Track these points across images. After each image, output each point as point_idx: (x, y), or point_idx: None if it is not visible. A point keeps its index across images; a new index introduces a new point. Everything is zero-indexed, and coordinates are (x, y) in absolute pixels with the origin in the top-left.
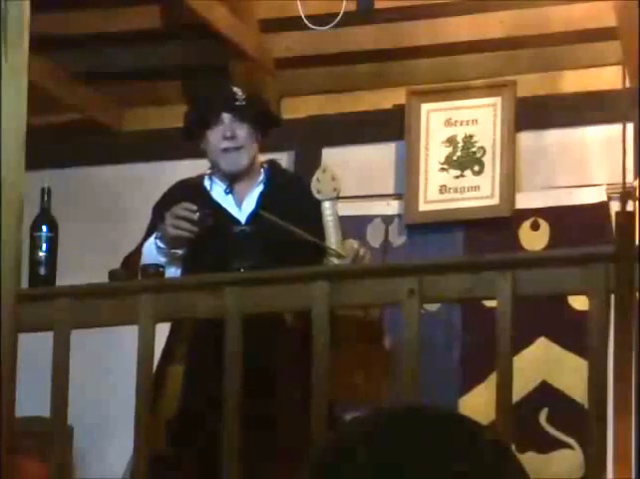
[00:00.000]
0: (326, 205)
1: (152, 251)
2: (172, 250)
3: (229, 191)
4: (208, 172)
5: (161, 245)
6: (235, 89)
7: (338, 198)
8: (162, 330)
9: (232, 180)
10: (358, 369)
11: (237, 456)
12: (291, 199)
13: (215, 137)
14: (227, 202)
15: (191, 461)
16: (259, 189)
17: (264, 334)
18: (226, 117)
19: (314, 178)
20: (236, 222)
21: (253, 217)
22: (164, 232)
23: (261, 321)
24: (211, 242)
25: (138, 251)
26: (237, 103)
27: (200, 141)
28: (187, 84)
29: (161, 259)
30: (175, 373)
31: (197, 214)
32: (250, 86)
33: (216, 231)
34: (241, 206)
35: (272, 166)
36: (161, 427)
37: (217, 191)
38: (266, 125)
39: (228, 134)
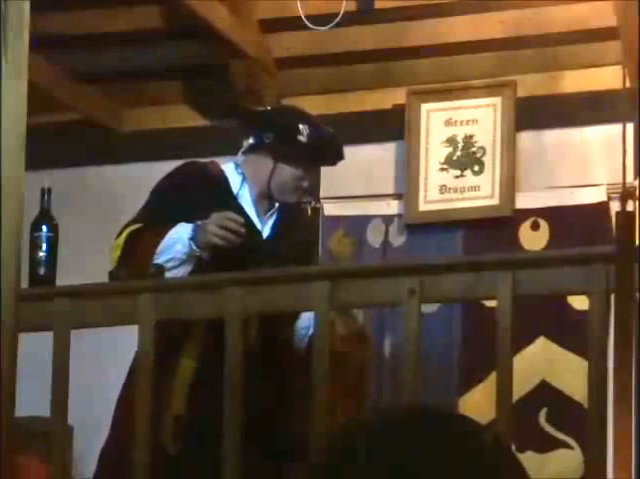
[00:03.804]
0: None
1: (175, 244)
2: (202, 253)
3: (273, 212)
4: (239, 170)
5: (195, 248)
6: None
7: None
8: None
9: (271, 199)
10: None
11: (237, 457)
12: (297, 228)
13: (297, 173)
14: (251, 210)
15: (197, 459)
16: (275, 215)
17: (267, 335)
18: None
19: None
20: (258, 233)
21: (269, 240)
22: (205, 237)
23: (263, 321)
24: (233, 249)
25: (152, 234)
26: (340, 151)
27: (275, 159)
28: (188, 84)
29: (182, 257)
30: (186, 368)
31: (244, 228)
32: (250, 86)
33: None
34: (261, 220)
35: None
36: (169, 422)
37: (245, 196)
38: None
39: (313, 182)
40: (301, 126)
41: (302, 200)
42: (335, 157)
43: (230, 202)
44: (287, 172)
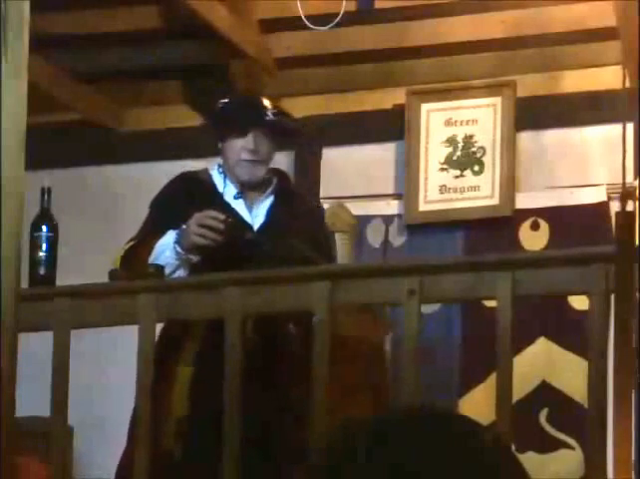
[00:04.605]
0: (339, 237)
1: (164, 252)
2: (189, 256)
3: (239, 196)
4: (220, 169)
5: (180, 251)
6: (266, 102)
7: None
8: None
9: (243, 186)
10: (359, 391)
11: (238, 457)
12: (299, 217)
13: (238, 146)
14: (239, 205)
15: (197, 460)
16: (270, 200)
17: (267, 338)
18: (253, 131)
19: (331, 210)
20: (248, 226)
21: (264, 227)
22: (187, 238)
23: (264, 324)
24: (223, 247)
25: (145, 246)
26: (267, 118)
27: (220, 141)
28: (188, 84)
29: (173, 262)
30: (184, 375)
31: (224, 224)
32: (250, 86)
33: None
34: (252, 212)
35: (283, 178)
36: (171, 425)
37: (230, 192)
38: (285, 140)
39: (252, 147)
40: (223, 99)
41: (259, 174)
42: (254, 116)
43: (217, 201)
44: (229, 147)
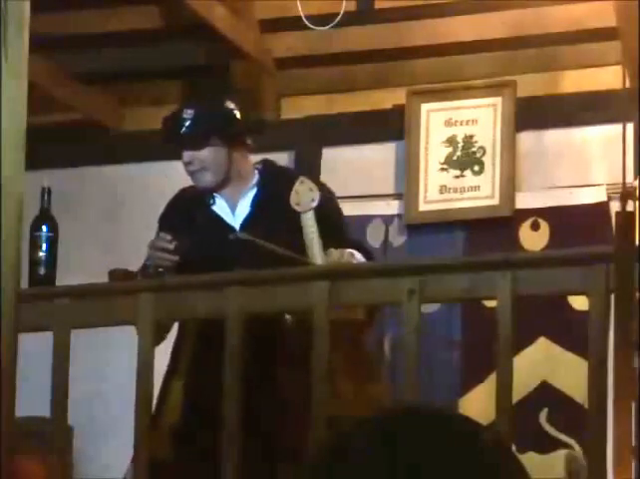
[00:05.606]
0: (307, 216)
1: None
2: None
3: (213, 203)
4: None
5: (150, 272)
6: (186, 112)
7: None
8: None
9: (212, 192)
10: (341, 372)
11: (237, 457)
12: (287, 202)
13: (183, 161)
14: (222, 209)
15: (192, 466)
16: (252, 192)
17: (264, 334)
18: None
19: (292, 192)
20: (231, 229)
21: (248, 222)
22: (149, 261)
23: (261, 321)
24: (208, 251)
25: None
26: (183, 130)
27: None
28: (188, 84)
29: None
30: (176, 388)
31: (174, 243)
32: (250, 86)
33: (212, 239)
34: (235, 211)
35: (266, 167)
36: (165, 431)
37: (216, 200)
38: (239, 135)
39: (185, 159)
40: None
41: (206, 179)
42: (172, 133)
43: (203, 211)
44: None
